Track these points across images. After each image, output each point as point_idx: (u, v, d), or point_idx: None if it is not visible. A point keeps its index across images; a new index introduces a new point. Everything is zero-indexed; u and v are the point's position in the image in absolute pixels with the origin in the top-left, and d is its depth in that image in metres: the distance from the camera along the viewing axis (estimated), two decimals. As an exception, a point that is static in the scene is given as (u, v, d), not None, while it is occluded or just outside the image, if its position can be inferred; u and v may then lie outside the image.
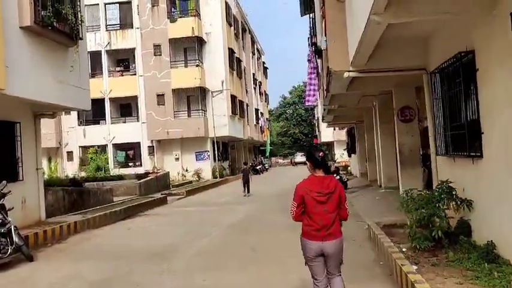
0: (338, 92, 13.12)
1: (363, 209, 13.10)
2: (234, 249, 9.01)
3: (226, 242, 9.83)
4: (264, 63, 58.56)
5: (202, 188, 25.95)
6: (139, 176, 26.26)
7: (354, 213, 12.06)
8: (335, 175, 19.47)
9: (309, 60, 15.58)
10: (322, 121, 25.74)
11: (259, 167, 43.79)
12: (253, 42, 49.12)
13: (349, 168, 31.90)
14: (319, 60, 15.48)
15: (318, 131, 61.45)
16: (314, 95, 14.91)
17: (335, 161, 22.20)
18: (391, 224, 9.25)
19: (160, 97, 32.79)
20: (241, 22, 42.35)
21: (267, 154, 51.67)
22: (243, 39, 43.02)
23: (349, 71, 9.25)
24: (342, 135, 53.19)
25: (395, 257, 6.37)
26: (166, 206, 18.69)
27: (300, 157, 65.70)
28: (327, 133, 56.42)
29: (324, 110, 18.85)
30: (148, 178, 24.48)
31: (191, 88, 32.44)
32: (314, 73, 14.68)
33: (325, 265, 4.46)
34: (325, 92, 15.49)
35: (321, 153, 4.45)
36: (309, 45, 16.09)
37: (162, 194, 22.31)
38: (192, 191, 23.85)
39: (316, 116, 65.22)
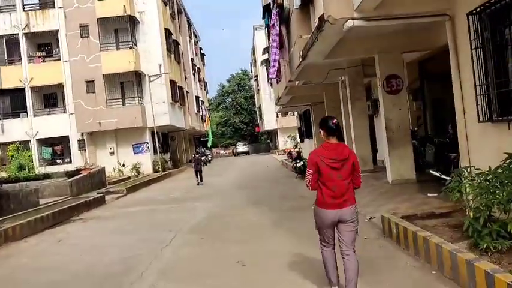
0: (314, 60, 10.93)
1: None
2: (210, 265, 6.51)
3: (196, 254, 7.29)
4: (201, 49, 55.56)
5: (144, 183, 22.99)
6: (69, 174, 22.81)
7: None
8: (298, 161, 17.41)
9: (271, 26, 13.25)
10: (276, 104, 23.55)
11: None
12: (189, 25, 45.98)
13: (301, 154, 29.95)
14: (283, 28, 13.23)
15: (260, 119, 59.64)
16: (274, 66, 12.61)
17: (295, 146, 20.06)
18: (411, 215, 7.17)
19: (90, 84, 29.15)
20: (177, 2, 39.18)
21: (210, 144, 48.93)
22: (179, 22, 39.89)
23: (353, 19, 7.02)
24: (287, 122, 51.81)
25: (486, 269, 4.18)
26: (105, 206, 15.74)
27: (241, 147, 63.73)
28: (269, 121, 54.78)
29: (286, 88, 16.61)
30: (80, 175, 21.18)
31: (125, 73, 29.06)
32: (276, 41, 12.38)
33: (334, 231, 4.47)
34: (287, 65, 13.27)
35: (334, 120, 4.37)
36: (272, 7, 13.74)
37: (98, 193, 19.22)
38: (133, 187, 20.87)
39: (257, 103, 63.41)
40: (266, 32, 19.51)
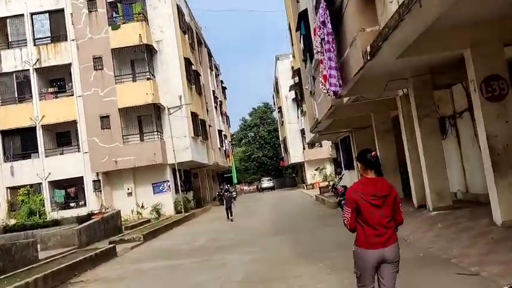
0: (386, 59, 8.12)
1: (445, 249, 7.93)
2: None
3: None
4: (222, 82, 53.52)
5: (164, 228, 20.04)
6: (80, 220, 20.14)
7: (434, 258, 7.30)
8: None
9: (316, 28, 10.46)
10: (311, 131, 20.65)
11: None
12: (210, 56, 43.98)
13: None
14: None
15: (285, 152, 56.69)
16: (333, 77, 9.69)
17: (340, 178, 16.99)
18: None
19: (105, 119, 26.79)
20: (196, 33, 37.26)
21: (235, 181, 45.98)
22: (199, 53, 37.84)
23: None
24: (314, 154, 48.71)
25: None
26: (115, 261, 12.80)
27: (266, 182, 60.62)
28: (295, 153, 51.74)
29: (330, 108, 13.70)
30: (90, 221, 18.41)
31: (142, 106, 26.67)
32: (330, 42, 9.54)
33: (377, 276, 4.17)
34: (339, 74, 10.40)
35: (372, 153, 4.14)
36: (316, 7, 10.98)
37: (110, 243, 16.38)
38: (151, 233, 17.93)
39: (281, 136, 60.64)
40: (302, 45, 16.78)
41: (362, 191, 4.05)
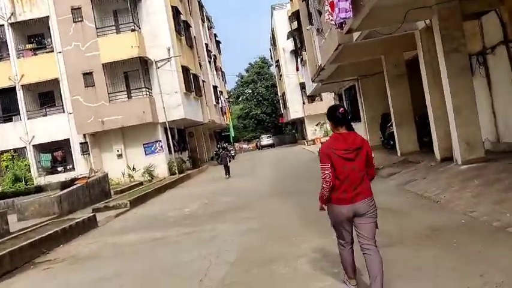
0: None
1: (493, 213, 6.19)
2: None
3: None
4: (215, 35, 50.81)
5: (155, 191, 18.38)
6: (63, 185, 18.51)
7: (483, 226, 5.68)
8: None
9: None
10: (313, 81, 18.65)
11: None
12: (200, 7, 41.20)
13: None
14: None
15: (284, 108, 54.72)
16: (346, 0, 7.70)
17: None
18: None
19: (88, 76, 24.70)
20: (184, -20, 34.47)
21: (233, 139, 44.24)
22: (189, 3, 35.16)
23: None
24: (315, 108, 46.71)
25: None
26: (94, 233, 11.15)
27: (266, 140, 58.93)
28: (295, 109, 49.78)
29: (337, 49, 11.64)
30: (73, 187, 16.72)
31: (128, 60, 24.48)
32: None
33: (352, 229, 4.16)
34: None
35: (341, 109, 4.08)
36: None
37: (93, 211, 14.76)
38: (140, 198, 16.27)
39: (280, 91, 58.47)
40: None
41: (334, 147, 4.01)
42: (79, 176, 20.24)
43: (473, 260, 4.72)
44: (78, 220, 11.60)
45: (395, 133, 14.54)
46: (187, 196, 16.12)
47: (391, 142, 16.16)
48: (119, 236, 9.92)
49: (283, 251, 6.31)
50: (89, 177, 18.86)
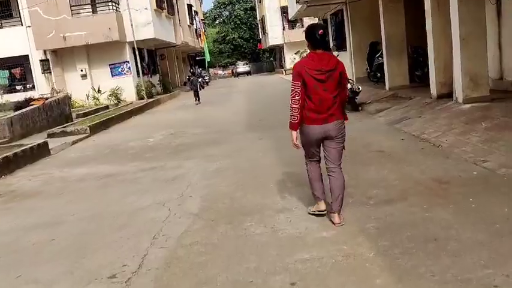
0: None
1: (509, 164, 5.15)
2: None
3: None
4: None
5: (119, 116, 16.92)
6: (17, 106, 16.85)
7: (501, 180, 4.72)
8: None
9: None
10: (297, 2, 16.86)
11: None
12: None
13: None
14: None
15: (263, 33, 52.23)
16: None
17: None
18: None
19: (47, -15, 22.11)
20: None
21: (207, 64, 42.19)
22: None
23: None
24: (295, 35, 44.48)
25: None
26: (44, 162, 9.83)
27: (242, 67, 56.89)
28: (274, 35, 47.45)
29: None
30: (28, 109, 15.12)
31: (92, -31, 21.96)
32: None
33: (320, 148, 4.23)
34: None
35: (320, 31, 3.94)
36: None
37: (49, 136, 13.37)
38: (101, 124, 14.84)
39: (259, 15, 55.59)
40: None
41: (308, 66, 3.96)
42: (37, 97, 18.46)
43: (508, 229, 3.67)
44: (26, 147, 10.20)
45: (384, 64, 13.26)
46: (153, 124, 14.77)
47: (379, 74, 14.93)
48: (69, 169, 8.64)
49: (259, 201, 5.18)
50: (47, 98, 17.18)
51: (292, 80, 4.02)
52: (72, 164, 9.09)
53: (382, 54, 14.30)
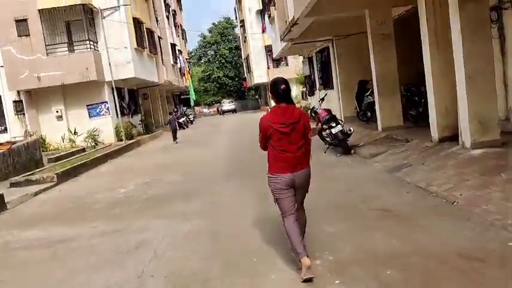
0: None
1: None
2: None
3: None
4: (175, -11, 46.84)
5: (93, 161, 15.69)
6: (-19, 152, 15.51)
7: None
8: (333, 124, 10.36)
9: None
10: (282, 39, 16.10)
11: (183, 119, 33.73)
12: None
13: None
14: None
15: (248, 72, 51.93)
16: None
17: (322, 99, 12.85)
18: None
19: (22, 24, 21.15)
20: None
21: (193, 103, 41.35)
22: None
23: None
24: (280, 74, 44.08)
25: None
26: (-6, 220, 8.54)
27: (227, 105, 56.30)
28: (259, 73, 47.12)
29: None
30: (-10, 155, 13.84)
31: (70, 8, 21.07)
32: None
33: (294, 198, 4.26)
34: None
35: (282, 86, 4.17)
36: None
37: (11, 185, 12.12)
38: (71, 171, 13.59)
39: (244, 54, 55.45)
40: None
41: (271, 120, 4.15)
42: (6, 140, 17.16)
43: None
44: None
45: (376, 104, 12.36)
46: (127, 170, 13.57)
47: (369, 114, 14.06)
48: (19, 230, 7.36)
49: (238, 285, 4.01)
50: (14, 143, 15.92)
51: (259, 132, 4.28)
52: (25, 224, 7.81)
53: (371, 92, 13.49)
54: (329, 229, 5.27)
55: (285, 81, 4.25)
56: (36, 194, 11.02)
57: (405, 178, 7.33)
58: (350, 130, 10.81)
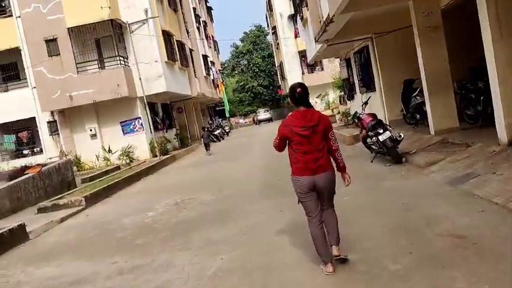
0: None
1: None
2: None
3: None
4: (206, 1, 46.64)
5: (126, 179, 15.04)
6: (11, 176, 15.14)
7: None
8: (381, 131, 9.18)
9: None
10: (317, 40, 15.02)
11: (218, 131, 33.08)
12: (187, -33, 37.02)
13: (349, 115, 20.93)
14: None
15: (282, 79, 50.97)
16: None
17: (366, 103, 11.69)
18: None
19: (52, 43, 21.03)
20: None
21: (227, 114, 40.69)
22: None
23: None
24: (315, 79, 42.99)
25: None
26: (12, 255, 7.84)
27: (263, 114, 55.46)
28: (294, 80, 45.82)
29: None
30: (19, 179, 13.40)
31: (99, 24, 20.78)
32: None
33: (318, 200, 4.38)
34: None
35: (298, 90, 4.30)
36: None
37: (39, 211, 11.58)
38: (102, 191, 12.96)
39: (277, 61, 54.60)
40: None
41: (292, 124, 4.27)
42: (35, 164, 16.79)
43: None
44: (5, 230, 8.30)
45: (426, 104, 11.07)
46: (159, 188, 12.80)
47: (418, 116, 12.76)
48: (34, 268, 6.60)
49: None
50: (44, 165, 15.51)
51: (277, 133, 4.44)
52: (41, 258, 7.06)
53: (420, 92, 12.22)
54: (392, 266, 4.17)
55: (301, 85, 4.36)
56: (62, 220, 10.37)
57: (474, 191, 6.11)
58: (400, 136, 9.60)
